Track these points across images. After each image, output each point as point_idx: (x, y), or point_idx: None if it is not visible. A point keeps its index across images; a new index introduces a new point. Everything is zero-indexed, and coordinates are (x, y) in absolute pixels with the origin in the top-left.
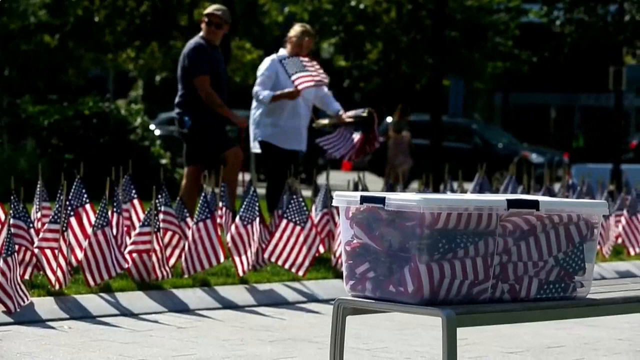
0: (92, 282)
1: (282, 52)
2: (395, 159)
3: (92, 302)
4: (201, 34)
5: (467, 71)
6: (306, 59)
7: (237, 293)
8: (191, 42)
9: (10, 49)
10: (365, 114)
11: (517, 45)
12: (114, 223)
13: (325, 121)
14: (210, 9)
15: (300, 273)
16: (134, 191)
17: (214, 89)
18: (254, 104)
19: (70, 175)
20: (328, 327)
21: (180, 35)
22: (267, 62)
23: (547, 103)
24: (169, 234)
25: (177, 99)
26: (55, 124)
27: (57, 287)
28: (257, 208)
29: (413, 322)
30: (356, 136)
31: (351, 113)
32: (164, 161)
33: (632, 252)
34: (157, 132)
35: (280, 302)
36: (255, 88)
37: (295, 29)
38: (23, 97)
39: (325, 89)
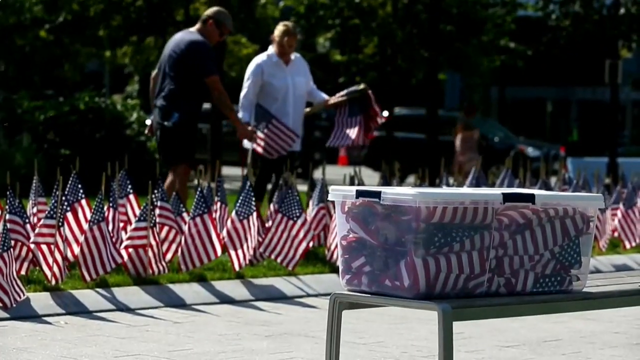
0: (87, 277)
1: (271, 50)
2: (463, 156)
3: (89, 297)
4: (197, 31)
5: (463, 65)
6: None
7: (233, 288)
8: (197, 39)
9: (6, 44)
10: (361, 87)
11: (514, 39)
12: (110, 218)
13: (307, 109)
14: (224, 18)
15: (290, 267)
16: (130, 186)
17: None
18: None
19: (66, 170)
20: (324, 322)
21: (176, 30)
22: (252, 65)
23: (544, 97)
24: (166, 228)
25: (165, 92)
26: (51, 119)
27: (53, 282)
28: (253, 203)
29: (409, 316)
30: (357, 119)
31: (345, 92)
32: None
33: (627, 246)
34: None
35: (276, 297)
36: (241, 94)
37: (278, 28)
38: (19, 93)
39: (311, 82)
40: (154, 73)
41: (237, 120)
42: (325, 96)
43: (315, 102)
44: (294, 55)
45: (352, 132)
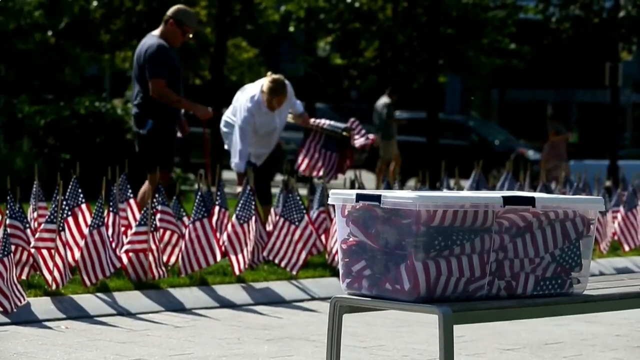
0: (87, 282)
1: (260, 95)
2: (548, 163)
3: (89, 301)
4: (160, 33)
5: (464, 67)
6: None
7: (233, 292)
8: (153, 43)
9: (6, 48)
10: (344, 133)
11: (514, 42)
12: (110, 222)
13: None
14: (184, 16)
15: (294, 272)
16: (130, 190)
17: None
18: (224, 122)
19: (66, 175)
20: (325, 325)
21: None
22: (244, 111)
23: (544, 99)
24: (168, 233)
25: (137, 100)
26: (51, 124)
27: (53, 287)
28: (253, 207)
29: (410, 319)
30: (332, 155)
31: (328, 125)
32: None
33: (626, 248)
34: None
35: (277, 301)
36: (237, 137)
37: (267, 85)
38: (19, 97)
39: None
40: None
41: (188, 104)
42: (302, 108)
43: (292, 110)
44: None
45: (327, 168)
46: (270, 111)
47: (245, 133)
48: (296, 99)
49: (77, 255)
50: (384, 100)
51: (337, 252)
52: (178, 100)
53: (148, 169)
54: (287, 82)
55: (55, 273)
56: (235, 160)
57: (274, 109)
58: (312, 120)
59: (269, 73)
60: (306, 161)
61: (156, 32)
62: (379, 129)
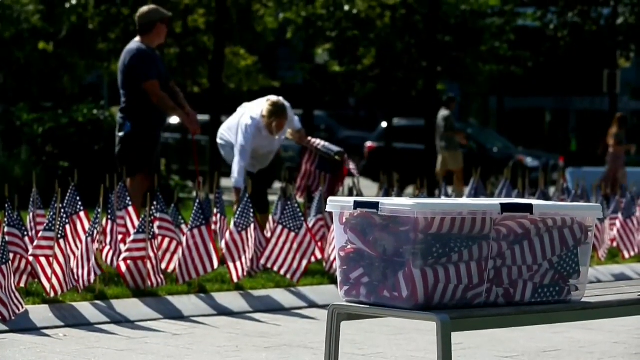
0: (80, 288)
1: (261, 120)
2: (618, 173)
3: (87, 309)
4: (143, 38)
5: (462, 75)
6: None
7: (232, 299)
8: (132, 48)
9: (4, 56)
10: (336, 157)
11: (512, 49)
12: (108, 230)
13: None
14: (162, 12)
15: (294, 279)
16: (128, 198)
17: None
18: (220, 135)
19: (64, 182)
20: (323, 333)
21: (175, 42)
22: (245, 131)
23: (542, 106)
24: (167, 240)
25: (121, 105)
26: (49, 132)
27: (52, 294)
28: (251, 215)
29: (408, 327)
30: (326, 176)
31: (322, 146)
32: None
33: (626, 256)
34: None
35: (275, 308)
36: (236, 157)
37: (267, 108)
38: (18, 105)
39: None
40: None
41: (182, 115)
42: (300, 125)
43: (290, 126)
44: None
45: (325, 187)
46: (270, 135)
47: (244, 153)
48: (294, 116)
49: (74, 262)
50: (443, 113)
51: (335, 259)
52: (173, 108)
53: (129, 171)
54: (287, 104)
55: (54, 281)
56: (235, 176)
57: (274, 133)
58: (308, 138)
59: (267, 98)
60: (303, 185)
61: (138, 38)
62: (442, 141)
